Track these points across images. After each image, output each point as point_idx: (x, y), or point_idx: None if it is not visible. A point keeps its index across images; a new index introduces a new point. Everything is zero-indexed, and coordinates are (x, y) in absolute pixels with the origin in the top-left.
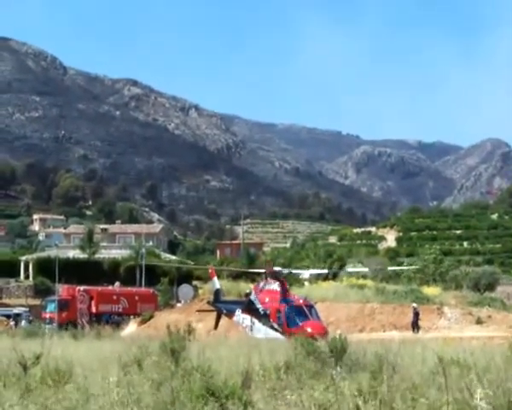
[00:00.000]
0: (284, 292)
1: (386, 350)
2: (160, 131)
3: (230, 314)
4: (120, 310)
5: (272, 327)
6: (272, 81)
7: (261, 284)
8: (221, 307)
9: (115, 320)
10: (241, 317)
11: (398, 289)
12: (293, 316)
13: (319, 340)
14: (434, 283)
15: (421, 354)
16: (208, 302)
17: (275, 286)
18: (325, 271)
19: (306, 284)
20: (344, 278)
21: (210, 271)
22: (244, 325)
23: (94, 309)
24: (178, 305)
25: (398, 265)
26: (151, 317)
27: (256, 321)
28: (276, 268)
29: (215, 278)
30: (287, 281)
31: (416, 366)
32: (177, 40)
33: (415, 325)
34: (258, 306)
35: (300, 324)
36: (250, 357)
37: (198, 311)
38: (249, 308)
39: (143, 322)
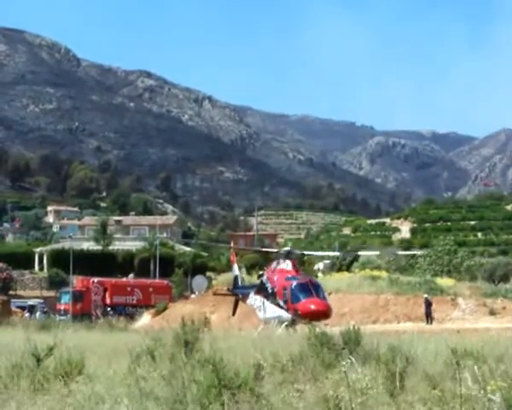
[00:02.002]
0: (293, 271)
1: (400, 341)
2: (173, 123)
3: (245, 298)
4: (134, 302)
5: (278, 305)
6: (285, 72)
7: (273, 264)
8: (238, 292)
9: (129, 312)
10: (253, 298)
11: (412, 280)
12: (298, 293)
13: (323, 321)
14: (448, 274)
15: (434, 346)
16: (228, 289)
17: (284, 265)
18: (336, 253)
19: (320, 275)
20: (358, 269)
21: (231, 258)
22: (255, 307)
23: (108, 301)
24: (192, 296)
25: (413, 256)
26: (165, 308)
27: (265, 301)
28: (288, 248)
29: (235, 265)
30: (297, 262)
31: (429, 357)
32: (190, 32)
33: (428, 316)
34: (268, 285)
35: (303, 300)
36: (262, 348)
37: (214, 294)
38: (260, 289)
39: (157, 313)
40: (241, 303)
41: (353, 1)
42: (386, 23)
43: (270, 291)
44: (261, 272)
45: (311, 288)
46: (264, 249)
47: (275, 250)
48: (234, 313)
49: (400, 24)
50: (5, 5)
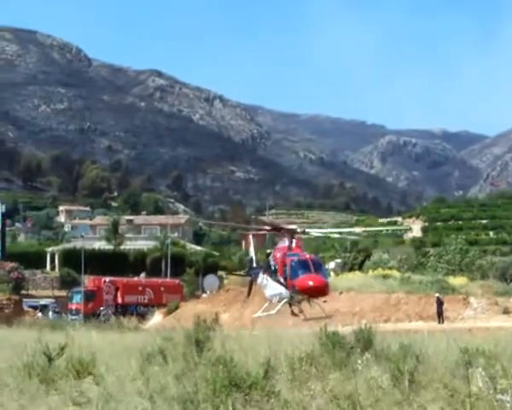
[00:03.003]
0: (295, 248)
1: (411, 341)
2: (184, 122)
3: (256, 278)
4: (146, 301)
5: (279, 282)
6: (296, 71)
7: (280, 243)
8: (252, 273)
9: (141, 311)
10: (261, 277)
11: (424, 279)
12: (296, 269)
13: (321, 298)
14: (460, 273)
15: (445, 345)
16: (243, 272)
17: (287, 242)
18: (341, 230)
19: (332, 274)
20: (369, 268)
21: (248, 238)
22: (263, 285)
23: (120, 300)
24: (204, 295)
25: (424, 255)
26: (176, 307)
27: (269, 278)
28: (293, 226)
29: (250, 247)
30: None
31: (440, 356)
32: (201, 31)
33: (440, 315)
34: (272, 263)
35: (301, 276)
36: (274, 347)
37: (233, 274)
38: (267, 267)
39: (169, 313)
40: (253, 303)
41: (364, 1)
42: (397, 21)
43: (272, 269)
44: (269, 251)
45: (309, 264)
46: (271, 229)
47: (279, 227)
48: (248, 295)
49: (411, 22)
50: (17, 6)
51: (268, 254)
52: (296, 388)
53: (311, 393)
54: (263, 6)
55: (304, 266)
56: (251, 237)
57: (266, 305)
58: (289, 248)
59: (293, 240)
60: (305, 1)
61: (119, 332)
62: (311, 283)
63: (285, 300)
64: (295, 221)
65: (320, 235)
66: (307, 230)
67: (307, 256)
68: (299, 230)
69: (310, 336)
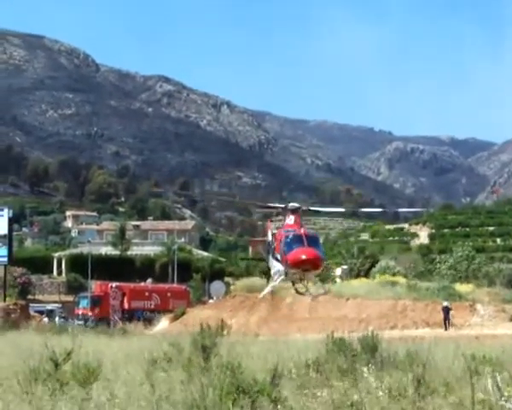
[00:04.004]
0: (294, 225)
1: (417, 348)
2: (192, 128)
3: (268, 260)
4: (153, 306)
5: (277, 259)
6: (304, 77)
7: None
8: (266, 256)
9: (148, 317)
10: (268, 258)
11: (431, 285)
12: (291, 244)
13: (313, 271)
14: (467, 279)
15: (452, 352)
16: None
17: (288, 220)
18: (342, 209)
19: (338, 280)
20: (376, 274)
21: (267, 224)
22: (269, 265)
23: (126, 306)
24: (210, 301)
25: (431, 262)
26: (183, 313)
27: (271, 257)
28: (295, 204)
29: (268, 231)
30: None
31: (447, 363)
32: (208, 37)
33: (446, 322)
34: (273, 241)
35: (294, 251)
36: (280, 353)
37: (252, 259)
38: (270, 246)
39: (175, 318)
40: (260, 309)
41: (371, 6)
42: (406, 28)
43: (272, 247)
44: (275, 232)
45: (303, 238)
46: (271, 205)
47: (281, 205)
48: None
49: (419, 29)
50: (25, 11)
51: (273, 234)
52: (303, 394)
53: (317, 400)
54: (271, 12)
55: (297, 240)
56: (269, 222)
57: (271, 284)
58: (290, 225)
59: (293, 217)
60: (312, 7)
61: (125, 338)
62: (303, 256)
63: (282, 276)
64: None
65: (324, 211)
66: (312, 208)
67: (302, 231)
68: (304, 208)
69: (316, 343)
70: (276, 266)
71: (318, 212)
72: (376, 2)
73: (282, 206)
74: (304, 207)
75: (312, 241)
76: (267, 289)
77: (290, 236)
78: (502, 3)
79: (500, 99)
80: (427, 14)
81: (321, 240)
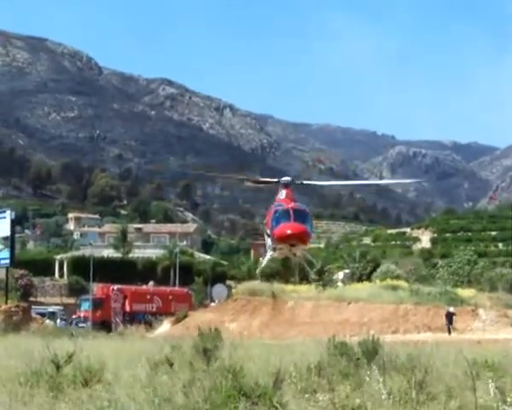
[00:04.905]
0: (286, 199)
1: (419, 352)
2: (194, 131)
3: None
4: (154, 309)
5: (267, 234)
6: (306, 81)
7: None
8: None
9: (149, 320)
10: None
11: (433, 290)
12: (278, 218)
13: (300, 246)
14: (469, 284)
15: (454, 356)
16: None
17: (280, 195)
18: (337, 182)
19: (340, 284)
20: (378, 278)
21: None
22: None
23: (128, 308)
24: (212, 304)
25: (433, 266)
26: (185, 316)
27: (265, 234)
28: (287, 178)
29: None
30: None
31: (449, 368)
32: (211, 40)
33: (449, 327)
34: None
35: (281, 225)
36: (282, 357)
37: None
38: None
39: (177, 321)
40: (261, 313)
41: (374, 10)
42: (408, 32)
43: (264, 222)
44: None
45: (291, 213)
46: (262, 179)
47: (274, 180)
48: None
49: (421, 33)
50: (28, 14)
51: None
52: (304, 399)
53: (319, 404)
54: (274, 16)
55: (285, 215)
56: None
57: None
58: (281, 200)
59: (284, 191)
60: (315, 11)
61: (126, 340)
62: (288, 231)
63: (271, 252)
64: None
65: (319, 185)
66: (305, 181)
67: (290, 205)
68: (297, 182)
69: (317, 346)
70: (267, 242)
71: (310, 185)
72: (379, 6)
73: (275, 180)
74: (297, 181)
75: (300, 215)
76: (261, 266)
77: (279, 210)
78: (503, 6)
79: (502, 103)
80: (428, 18)
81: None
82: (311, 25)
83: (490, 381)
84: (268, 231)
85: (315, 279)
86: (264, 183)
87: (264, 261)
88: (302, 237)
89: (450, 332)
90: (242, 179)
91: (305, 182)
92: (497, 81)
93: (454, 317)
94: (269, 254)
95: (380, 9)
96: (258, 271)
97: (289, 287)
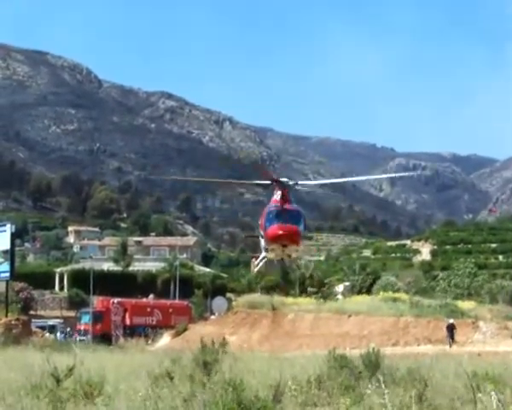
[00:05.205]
0: (280, 200)
1: (419, 364)
2: (194, 144)
3: None
4: (154, 322)
5: (261, 235)
6: (306, 94)
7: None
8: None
9: (148, 333)
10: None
11: (433, 302)
12: (271, 219)
13: (291, 246)
14: (469, 296)
15: (454, 369)
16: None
17: (274, 195)
18: (334, 180)
19: (340, 297)
20: (378, 291)
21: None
22: None
23: (128, 321)
24: (212, 317)
25: (433, 279)
26: (185, 329)
27: (260, 237)
28: (282, 179)
29: None
30: (290, 192)
31: (449, 380)
32: (211, 53)
33: (450, 340)
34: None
35: (273, 226)
36: (282, 370)
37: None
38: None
39: (177, 334)
40: (261, 326)
41: (374, 24)
42: (408, 45)
43: (259, 223)
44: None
45: (283, 214)
46: (257, 182)
47: (267, 182)
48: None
49: (421, 46)
50: (28, 27)
51: None
52: None
53: None
54: (273, 29)
55: (277, 215)
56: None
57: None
58: (275, 201)
59: (279, 192)
60: (315, 24)
61: (127, 354)
62: (280, 231)
63: (264, 253)
64: (304, 243)
65: (313, 184)
66: (300, 182)
67: (283, 206)
68: (291, 183)
69: (318, 359)
70: (261, 242)
71: (306, 185)
72: (379, 19)
73: (269, 182)
74: (291, 183)
75: (292, 216)
76: (254, 268)
77: (271, 211)
78: (501, 21)
79: (502, 116)
80: (428, 31)
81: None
82: (311, 38)
83: (492, 393)
84: (262, 232)
85: (313, 291)
86: (260, 185)
87: (257, 262)
88: (293, 238)
89: (451, 345)
90: (239, 184)
91: (299, 182)
92: (496, 93)
93: (454, 330)
94: (262, 255)
95: (380, 23)
96: (253, 271)
97: (289, 300)
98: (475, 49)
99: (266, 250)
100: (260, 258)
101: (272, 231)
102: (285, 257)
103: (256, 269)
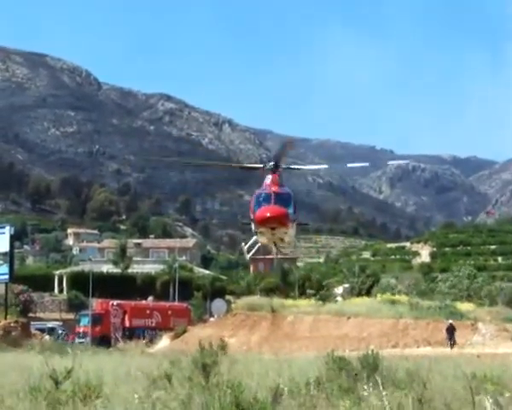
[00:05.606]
0: (270, 183)
1: (418, 366)
2: (193, 146)
3: None
4: (154, 324)
5: (251, 220)
6: (306, 96)
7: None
8: None
9: (148, 335)
10: None
11: (432, 304)
12: (259, 203)
13: (280, 229)
14: (468, 298)
15: (453, 371)
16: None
17: (265, 179)
18: (325, 166)
19: (339, 299)
20: (377, 293)
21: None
22: None
23: (127, 324)
24: (211, 319)
25: (432, 280)
26: (184, 331)
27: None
28: (273, 162)
29: None
30: (280, 177)
31: (447, 382)
32: (210, 55)
33: (449, 341)
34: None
35: (261, 209)
36: (281, 372)
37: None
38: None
39: (176, 336)
40: (261, 328)
41: (373, 26)
42: (408, 47)
43: (249, 207)
44: None
45: (271, 196)
46: (248, 166)
47: (259, 166)
48: None
49: (421, 48)
50: (28, 30)
51: None
52: None
53: None
54: (273, 31)
55: (266, 198)
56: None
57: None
58: (266, 184)
59: (270, 176)
60: (314, 26)
61: (126, 356)
62: (267, 214)
63: (254, 237)
64: (303, 245)
65: (306, 169)
66: (292, 166)
67: (272, 189)
68: (283, 166)
69: (317, 361)
70: (252, 228)
71: (299, 169)
72: (378, 22)
73: (261, 166)
74: (283, 166)
75: (281, 199)
76: (245, 252)
77: (260, 194)
78: (502, 21)
79: (501, 118)
80: (428, 34)
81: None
82: (310, 40)
83: (489, 396)
84: (251, 216)
85: (312, 293)
86: (250, 169)
87: (247, 246)
88: (281, 220)
89: (451, 346)
90: (228, 166)
91: (291, 166)
92: (495, 96)
93: (454, 331)
94: (253, 239)
95: (379, 26)
96: (246, 253)
97: (289, 302)
98: (475, 52)
99: (256, 234)
100: (250, 242)
101: (259, 213)
102: (277, 241)
103: (249, 255)
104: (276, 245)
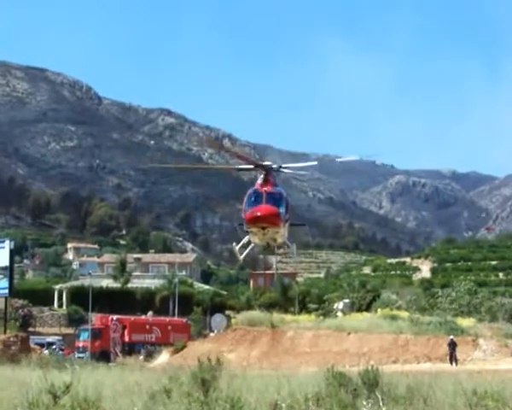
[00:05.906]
0: (261, 183)
1: (418, 382)
2: (193, 161)
3: None
4: (153, 340)
5: (244, 220)
6: (305, 111)
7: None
8: None
9: (148, 350)
10: None
11: (433, 320)
12: (251, 203)
13: (272, 228)
14: (469, 314)
15: (453, 387)
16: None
17: (258, 179)
18: (314, 163)
19: (340, 314)
20: (378, 308)
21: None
22: None
23: (127, 339)
24: (211, 334)
25: (433, 296)
26: (184, 347)
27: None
28: (266, 162)
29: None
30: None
31: (448, 399)
32: (210, 70)
33: (450, 356)
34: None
35: (252, 208)
36: (280, 387)
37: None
38: None
39: (176, 352)
40: (261, 344)
41: (373, 40)
42: (406, 61)
43: (242, 208)
44: None
45: (263, 196)
46: (241, 167)
47: (251, 166)
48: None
49: (420, 62)
50: (28, 44)
51: None
52: None
53: None
54: (273, 46)
55: (257, 198)
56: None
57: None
58: (258, 184)
59: (263, 176)
60: (314, 40)
61: (125, 371)
62: (258, 213)
63: (246, 237)
64: (304, 260)
65: (297, 167)
66: (284, 165)
67: (264, 189)
68: (274, 166)
69: (317, 377)
70: (245, 228)
71: (290, 168)
72: (378, 35)
73: (252, 167)
74: (275, 166)
75: (272, 198)
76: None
77: (251, 194)
78: (500, 33)
79: (501, 133)
80: (428, 47)
81: (285, 198)
82: (310, 55)
83: None
84: (242, 215)
85: (313, 308)
86: (244, 170)
87: (239, 247)
88: (272, 220)
89: (452, 362)
90: (225, 170)
91: (283, 165)
92: (496, 111)
93: (455, 347)
94: (245, 239)
95: (379, 39)
96: (238, 258)
97: (289, 317)
98: (475, 66)
99: (247, 233)
100: (242, 242)
101: (250, 212)
102: (270, 242)
103: (241, 257)
104: (269, 245)
